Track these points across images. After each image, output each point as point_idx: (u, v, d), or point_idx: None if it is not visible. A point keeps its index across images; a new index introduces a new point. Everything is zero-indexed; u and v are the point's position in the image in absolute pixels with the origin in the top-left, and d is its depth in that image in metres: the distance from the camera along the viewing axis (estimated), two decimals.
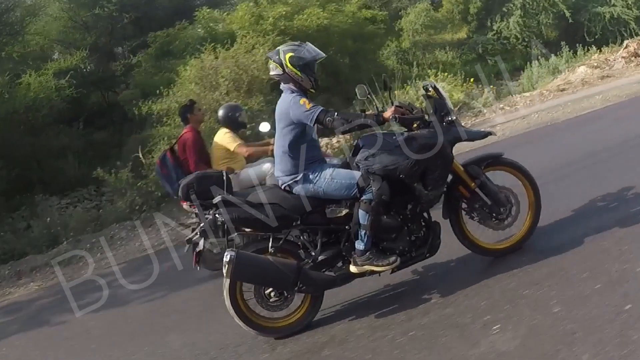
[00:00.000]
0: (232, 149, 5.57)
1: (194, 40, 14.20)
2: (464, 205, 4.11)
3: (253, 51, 11.36)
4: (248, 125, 6.49)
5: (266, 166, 5.44)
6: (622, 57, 14.76)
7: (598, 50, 16.20)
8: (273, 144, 4.98)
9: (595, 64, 14.94)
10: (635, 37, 21.46)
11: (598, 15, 22.72)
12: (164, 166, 5.49)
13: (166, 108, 10.76)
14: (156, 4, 18.26)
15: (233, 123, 5.75)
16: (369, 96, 4.17)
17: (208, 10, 15.59)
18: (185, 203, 4.80)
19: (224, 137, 5.64)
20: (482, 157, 4.17)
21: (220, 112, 5.85)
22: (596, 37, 21.68)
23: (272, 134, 5.33)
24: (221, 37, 13.82)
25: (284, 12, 15.22)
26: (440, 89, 4.01)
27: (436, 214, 4.06)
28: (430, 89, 4.05)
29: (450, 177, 4.04)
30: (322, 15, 15.49)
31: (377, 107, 4.06)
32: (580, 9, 23.42)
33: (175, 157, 5.53)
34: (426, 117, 3.99)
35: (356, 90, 4.18)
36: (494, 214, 4.07)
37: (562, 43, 17.46)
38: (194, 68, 11.01)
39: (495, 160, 4.17)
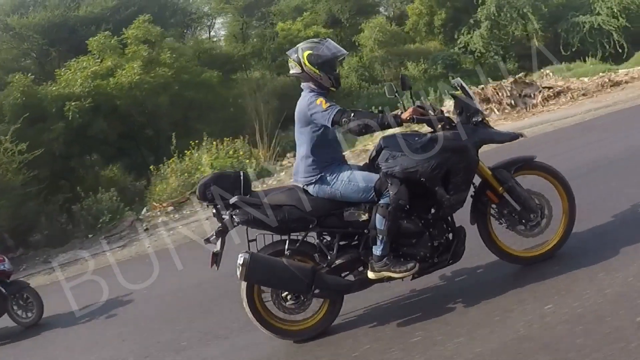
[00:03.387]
0: None
1: (9, 106, 13.76)
2: (492, 211, 3.92)
3: None
4: None
5: None
6: None
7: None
8: None
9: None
10: (618, 49, 19.63)
11: (577, 26, 21.25)
12: None
13: None
14: (80, 36, 18.52)
15: None
16: (396, 95, 4.03)
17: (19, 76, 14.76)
18: None
19: None
20: (512, 160, 3.95)
21: None
22: (574, 49, 20.31)
23: None
24: (35, 101, 13.75)
25: (89, 74, 15.04)
26: (467, 88, 3.83)
27: (463, 218, 3.90)
28: (457, 88, 3.88)
29: (479, 180, 3.87)
30: (134, 72, 15.25)
31: (404, 106, 3.91)
32: (560, 19, 22.00)
33: None
34: (454, 117, 3.84)
35: (385, 88, 4.07)
36: (523, 220, 3.86)
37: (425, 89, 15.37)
38: None
39: (526, 164, 3.95)
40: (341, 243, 3.75)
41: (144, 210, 10.72)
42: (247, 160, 11.49)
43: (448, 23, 24.16)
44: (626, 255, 3.76)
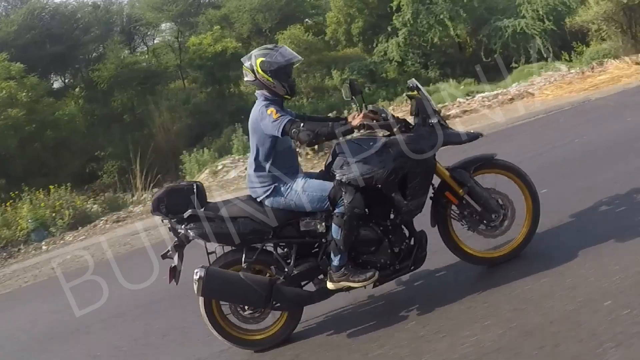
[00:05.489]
0: None
1: None
2: (452, 213, 3.85)
3: None
4: None
5: None
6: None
7: None
8: None
9: (216, 169, 11.36)
10: (543, 54, 18.80)
11: (499, 31, 20.29)
12: None
13: None
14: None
15: None
16: (352, 98, 3.92)
17: None
18: None
19: None
20: (471, 159, 3.87)
21: None
22: (495, 55, 19.35)
23: None
24: None
25: None
26: (423, 89, 3.73)
27: (424, 222, 3.83)
28: (413, 89, 3.78)
29: (439, 181, 3.80)
30: None
31: (359, 109, 3.82)
32: (484, 23, 21.11)
33: None
34: (411, 119, 3.76)
35: (342, 90, 3.97)
36: (484, 221, 3.79)
37: None
38: None
39: (486, 163, 3.87)
40: (300, 252, 3.68)
41: None
42: (55, 214, 10.65)
43: (367, 31, 23.59)
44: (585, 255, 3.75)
